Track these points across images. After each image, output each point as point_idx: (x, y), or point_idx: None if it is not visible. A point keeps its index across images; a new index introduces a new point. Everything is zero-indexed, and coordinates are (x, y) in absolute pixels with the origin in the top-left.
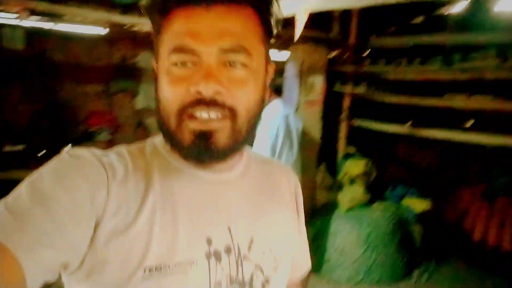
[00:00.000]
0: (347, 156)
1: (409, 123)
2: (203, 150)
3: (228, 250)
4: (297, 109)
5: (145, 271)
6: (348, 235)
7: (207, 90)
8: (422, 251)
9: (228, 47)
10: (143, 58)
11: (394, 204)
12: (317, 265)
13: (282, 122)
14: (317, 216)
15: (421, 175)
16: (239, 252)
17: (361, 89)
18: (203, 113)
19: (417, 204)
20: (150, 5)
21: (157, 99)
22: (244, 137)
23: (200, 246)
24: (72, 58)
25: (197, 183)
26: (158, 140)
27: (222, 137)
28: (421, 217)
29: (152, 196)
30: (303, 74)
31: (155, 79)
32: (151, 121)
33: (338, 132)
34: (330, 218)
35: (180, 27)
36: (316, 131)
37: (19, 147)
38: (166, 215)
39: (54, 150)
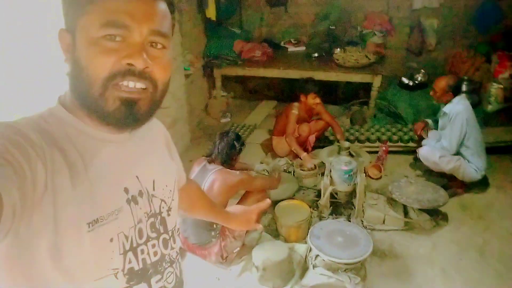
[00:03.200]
0: None
1: None
2: (128, 116)
3: (140, 194)
4: None
5: (88, 225)
6: None
7: (140, 63)
8: None
9: (155, 29)
10: None
11: None
12: None
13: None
14: None
15: None
16: (148, 193)
17: None
18: (131, 83)
19: None
20: None
21: (79, 67)
22: (158, 106)
23: (121, 195)
24: None
25: (106, 144)
26: (58, 111)
27: (143, 106)
28: None
29: (75, 162)
30: None
31: (68, 49)
32: (429, 22)
33: None
34: None
35: (114, 5)
36: None
37: (302, 49)
38: (90, 176)
39: (330, 53)
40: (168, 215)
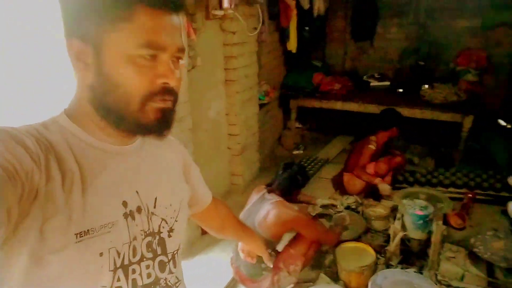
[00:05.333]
0: None
1: None
2: (165, 125)
3: (139, 210)
4: None
5: (76, 236)
6: None
7: (174, 81)
8: None
9: (181, 46)
10: None
11: None
12: None
13: None
14: None
15: None
16: (148, 210)
17: None
18: (166, 98)
19: None
20: None
21: (112, 83)
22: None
23: (118, 208)
24: None
25: (108, 155)
26: (61, 119)
27: (173, 114)
28: None
29: (71, 171)
30: None
31: (87, 60)
32: None
33: None
34: None
35: (149, 23)
36: None
37: (386, 83)
38: (86, 186)
39: (416, 89)
40: (169, 236)
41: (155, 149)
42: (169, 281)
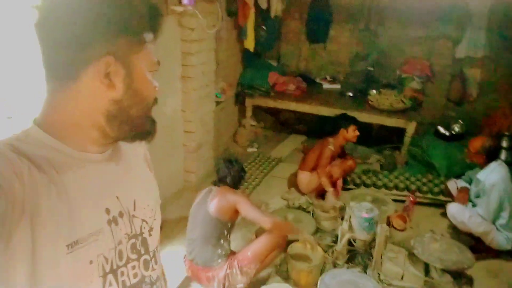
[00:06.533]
0: None
1: None
2: (155, 129)
3: (121, 215)
4: None
5: (68, 247)
6: None
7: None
8: None
9: None
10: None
11: None
12: None
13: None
14: None
15: None
16: (128, 214)
17: None
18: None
19: None
20: (149, 24)
21: (141, 97)
22: None
23: (102, 216)
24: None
25: (87, 164)
26: (34, 132)
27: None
28: None
29: (54, 182)
30: None
31: (128, 82)
32: (472, 72)
33: None
34: None
35: (154, 46)
36: None
37: (337, 87)
38: (70, 196)
39: (364, 93)
40: (150, 235)
41: (125, 151)
42: (152, 277)
